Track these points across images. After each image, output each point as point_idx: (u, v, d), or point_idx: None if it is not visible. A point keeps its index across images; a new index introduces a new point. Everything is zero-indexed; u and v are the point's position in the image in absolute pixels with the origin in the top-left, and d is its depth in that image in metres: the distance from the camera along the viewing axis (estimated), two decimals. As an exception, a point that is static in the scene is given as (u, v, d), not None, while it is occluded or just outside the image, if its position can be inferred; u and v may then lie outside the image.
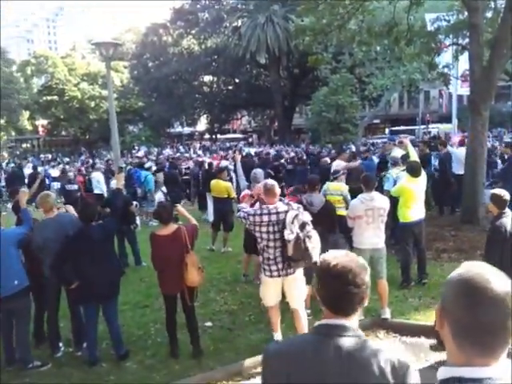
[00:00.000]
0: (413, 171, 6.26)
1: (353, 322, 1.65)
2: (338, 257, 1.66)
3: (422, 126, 36.65)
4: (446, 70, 13.01)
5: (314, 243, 4.42)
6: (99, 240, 4.80)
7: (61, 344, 5.26)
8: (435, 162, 11.52)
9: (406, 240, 6.40)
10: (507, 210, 4.70)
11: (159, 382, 4.39)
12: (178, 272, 4.70)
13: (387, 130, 41.12)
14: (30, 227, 4.95)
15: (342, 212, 6.51)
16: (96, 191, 12.45)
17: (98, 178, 12.87)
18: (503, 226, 4.63)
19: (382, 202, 5.47)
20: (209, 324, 5.64)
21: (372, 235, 5.41)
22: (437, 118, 39.50)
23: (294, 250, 4.34)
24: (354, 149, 17.14)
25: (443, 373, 1.16)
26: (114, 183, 8.92)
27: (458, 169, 9.87)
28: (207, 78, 44.67)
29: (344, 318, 1.63)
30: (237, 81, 42.80)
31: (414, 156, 7.10)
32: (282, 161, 15.22)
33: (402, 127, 38.60)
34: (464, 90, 18.53)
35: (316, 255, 4.40)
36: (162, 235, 4.78)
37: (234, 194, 8.86)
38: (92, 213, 4.98)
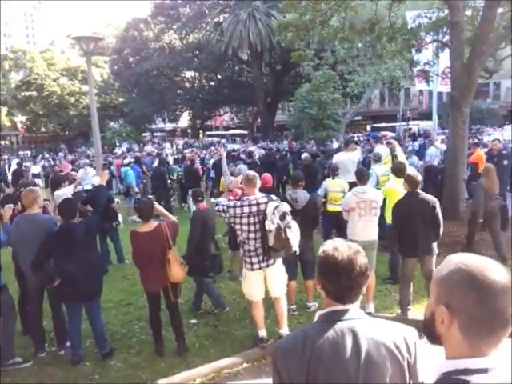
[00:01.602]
0: (398, 172, 6.33)
1: (357, 305, 1.70)
2: (343, 250, 1.67)
3: (403, 123, 37.08)
4: (426, 66, 13.15)
5: (294, 233, 4.48)
6: (81, 237, 4.71)
7: (46, 343, 5.19)
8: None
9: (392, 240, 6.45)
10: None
11: (144, 380, 4.35)
12: (161, 268, 4.67)
13: (369, 127, 41.52)
14: (4, 242, 4.86)
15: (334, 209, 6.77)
16: (87, 187, 12.23)
17: (90, 172, 12.64)
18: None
19: (374, 195, 5.69)
20: (194, 321, 5.62)
21: (364, 227, 5.59)
22: (417, 115, 39.99)
23: (275, 239, 4.38)
24: (336, 145, 17.23)
25: (445, 366, 1.15)
26: (95, 180, 8.79)
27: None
28: (189, 74, 44.38)
29: (349, 304, 1.68)
30: (219, 77, 42.64)
31: (402, 157, 7.23)
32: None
33: (384, 124, 39.04)
34: (444, 87, 18.78)
35: (295, 245, 4.52)
36: (143, 232, 4.73)
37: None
38: (72, 210, 4.89)
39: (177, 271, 4.71)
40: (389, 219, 6.37)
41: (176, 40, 42.28)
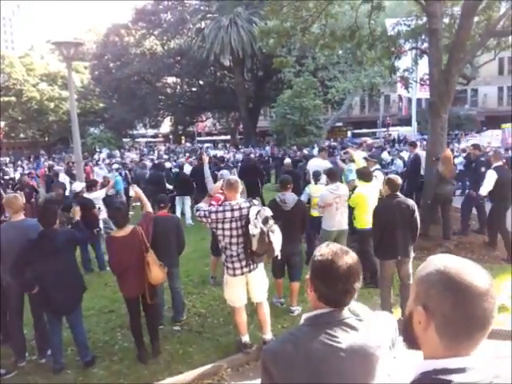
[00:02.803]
0: (363, 176, 6.54)
1: (347, 307, 1.70)
2: (341, 255, 1.67)
3: (383, 129, 37.56)
4: (406, 73, 13.36)
5: (277, 237, 4.52)
6: (60, 246, 4.64)
7: (26, 352, 5.10)
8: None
9: (367, 245, 6.52)
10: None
11: (127, 388, 4.31)
12: (140, 272, 4.66)
13: (349, 133, 41.91)
14: None
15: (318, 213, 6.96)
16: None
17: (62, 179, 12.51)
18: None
19: (345, 190, 6.63)
20: (177, 328, 5.58)
21: (340, 218, 6.51)
22: (397, 121, 40.55)
23: (259, 244, 4.40)
24: (317, 151, 17.34)
25: (423, 366, 1.15)
26: (76, 186, 8.71)
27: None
28: (170, 80, 44.23)
29: (342, 307, 1.68)
30: (201, 83, 42.60)
31: (361, 163, 7.69)
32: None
33: (364, 130, 39.48)
34: (423, 93, 19.10)
35: (278, 249, 4.56)
36: (119, 236, 4.72)
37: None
38: (52, 217, 4.82)
39: (157, 273, 4.72)
40: (359, 224, 6.51)
41: (157, 46, 42.15)
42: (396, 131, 36.66)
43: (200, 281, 7.23)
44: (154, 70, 38.67)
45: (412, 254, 5.40)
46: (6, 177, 17.81)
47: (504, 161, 8.53)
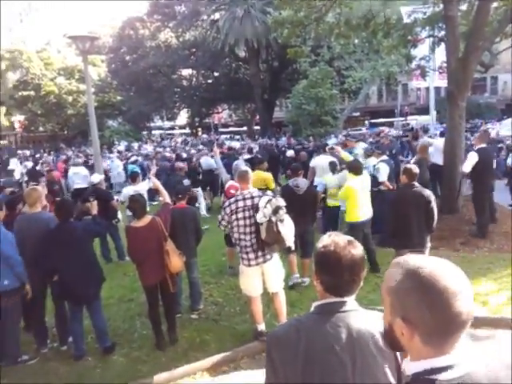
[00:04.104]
0: (354, 169, 6.51)
1: (353, 297, 1.74)
2: (344, 246, 1.69)
3: (401, 118, 37.12)
4: (422, 62, 13.18)
5: (286, 227, 4.53)
6: (77, 239, 4.76)
7: (48, 340, 5.26)
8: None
9: (357, 239, 6.49)
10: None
11: (145, 374, 4.42)
12: (159, 261, 4.76)
13: (367, 123, 41.53)
14: None
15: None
16: (77, 186, 12.24)
17: (81, 172, 12.66)
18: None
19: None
20: (194, 316, 5.69)
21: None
22: (415, 110, 40.02)
23: (267, 233, 4.45)
24: (334, 141, 17.25)
25: (413, 367, 1.16)
26: (94, 178, 8.85)
27: (439, 159, 10.05)
28: (186, 72, 44.29)
29: (347, 297, 1.71)
30: (216, 74, 42.56)
31: (349, 158, 7.73)
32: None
33: (381, 119, 39.08)
34: (441, 81, 18.82)
35: (289, 240, 4.59)
36: (139, 227, 4.82)
37: (273, 186, 8.46)
38: (68, 210, 4.93)
39: (176, 261, 4.83)
40: (349, 218, 6.49)
41: (172, 38, 42.18)
42: (414, 120, 36.19)
43: (217, 270, 7.32)
44: (170, 62, 38.76)
45: (428, 244, 5.39)
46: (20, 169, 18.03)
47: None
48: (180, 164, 11.27)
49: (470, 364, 1.11)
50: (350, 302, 1.71)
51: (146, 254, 4.81)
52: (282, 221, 4.49)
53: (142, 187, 8.64)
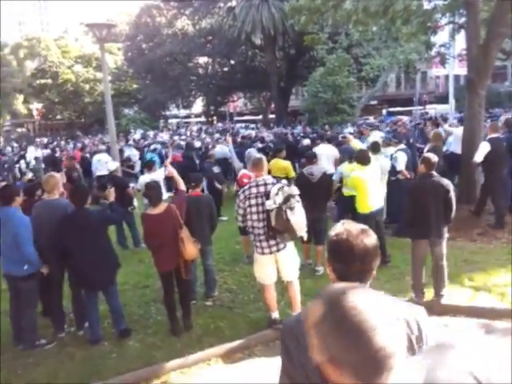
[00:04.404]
0: (361, 159, 6.43)
1: (367, 285, 1.70)
2: (356, 234, 1.67)
3: (420, 107, 36.59)
4: (442, 49, 12.95)
5: (296, 216, 4.47)
6: (92, 225, 4.82)
7: (65, 324, 5.35)
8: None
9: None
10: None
11: (160, 360, 4.47)
12: (174, 248, 4.80)
13: (384, 111, 41.03)
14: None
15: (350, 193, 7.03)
16: (99, 173, 12.35)
17: (103, 159, 12.76)
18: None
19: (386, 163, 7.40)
20: (209, 303, 5.73)
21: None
22: (434, 99, 39.42)
23: (276, 220, 4.42)
24: (350, 130, 17.09)
25: None
26: (111, 165, 8.92)
27: (457, 148, 9.89)
28: (202, 60, 44.17)
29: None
30: (232, 62, 42.36)
31: (360, 147, 7.71)
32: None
33: (400, 108, 38.55)
34: (461, 69, 18.48)
35: (300, 230, 4.53)
36: (154, 214, 4.85)
37: (293, 174, 8.43)
38: (83, 196, 4.98)
39: (191, 249, 4.86)
40: (361, 209, 6.40)
41: (188, 26, 42.02)
42: (433, 109, 35.64)
43: (231, 258, 7.35)
44: (186, 50, 38.68)
45: (446, 235, 5.31)
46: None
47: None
48: (211, 151, 11.41)
49: None
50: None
51: (162, 241, 4.85)
52: (291, 209, 4.43)
53: (158, 175, 8.68)
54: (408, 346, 1.60)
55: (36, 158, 15.97)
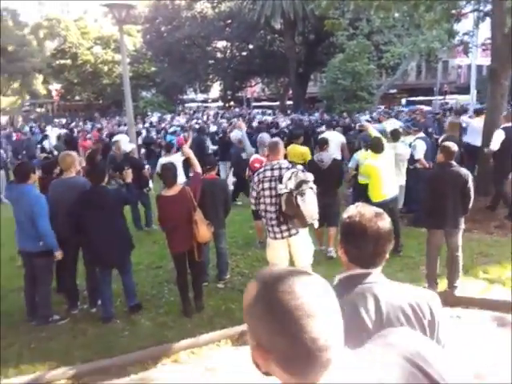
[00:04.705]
0: (374, 147, 6.35)
1: (379, 269, 1.70)
2: (370, 216, 1.66)
3: (440, 97, 35.98)
4: (465, 37, 12.67)
5: (307, 202, 4.36)
6: (108, 203, 4.87)
7: (78, 302, 5.43)
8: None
9: None
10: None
11: (170, 339, 4.53)
12: (188, 230, 4.83)
13: (404, 100, 40.44)
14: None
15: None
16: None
17: (123, 139, 12.81)
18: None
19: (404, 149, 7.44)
20: (221, 285, 5.78)
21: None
22: (455, 89, 38.70)
23: (286, 205, 4.35)
24: (367, 117, 16.89)
25: None
26: (127, 146, 8.96)
27: (475, 140, 9.71)
28: (220, 44, 43.91)
29: (372, 268, 1.67)
30: (251, 47, 42.02)
31: (377, 135, 7.46)
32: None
33: (420, 98, 37.95)
34: (484, 59, 18.07)
35: (310, 217, 4.41)
36: (169, 196, 4.88)
37: None
38: (100, 174, 5.02)
39: (204, 231, 4.88)
40: (374, 198, 6.30)
41: (208, 9, 41.72)
42: (453, 99, 35.02)
43: (244, 242, 7.37)
44: (205, 33, 38.45)
45: (462, 226, 5.24)
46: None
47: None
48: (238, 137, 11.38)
49: None
50: (376, 273, 1.68)
51: (175, 223, 4.88)
52: (302, 195, 4.33)
53: (176, 158, 8.69)
54: (420, 330, 1.59)
55: (59, 137, 16.18)
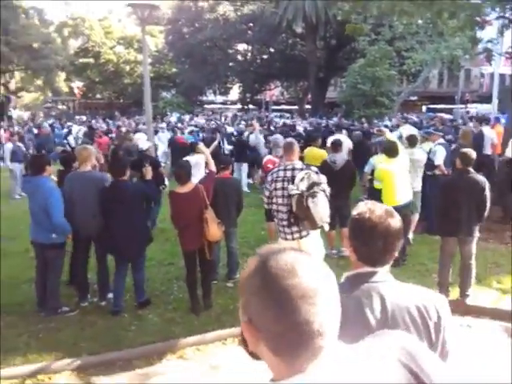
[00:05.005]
0: (388, 152, 6.26)
1: (386, 268, 1.67)
2: (380, 214, 1.64)
3: (461, 106, 35.52)
4: (489, 45, 12.46)
5: (318, 205, 4.29)
6: (130, 197, 4.93)
7: (88, 294, 5.48)
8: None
9: None
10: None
11: (177, 336, 4.54)
12: (199, 228, 4.84)
13: (424, 108, 40.03)
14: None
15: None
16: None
17: (142, 138, 12.94)
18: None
19: (421, 155, 7.30)
20: (230, 285, 5.77)
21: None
22: (477, 98, 38.17)
23: (297, 206, 4.31)
24: (387, 123, 16.75)
25: None
26: (143, 144, 9.01)
27: (488, 149, 9.61)
28: (241, 47, 44.10)
29: (379, 267, 1.65)
30: (271, 50, 42.10)
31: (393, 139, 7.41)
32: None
33: (441, 106, 37.50)
34: (507, 68, 17.79)
35: (321, 219, 4.35)
36: (182, 193, 4.90)
37: None
38: (122, 167, 5.09)
39: (215, 230, 4.87)
40: (387, 202, 6.13)
41: (230, 11, 41.93)
42: (474, 108, 34.54)
43: (255, 243, 7.32)
44: (227, 36, 38.65)
45: (477, 234, 5.15)
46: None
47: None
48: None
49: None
50: (383, 272, 1.65)
51: (187, 220, 4.90)
52: (313, 196, 4.27)
53: (201, 158, 8.69)
54: (425, 332, 1.55)
55: (85, 133, 16.44)
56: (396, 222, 1.65)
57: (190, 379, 3.95)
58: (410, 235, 7.26)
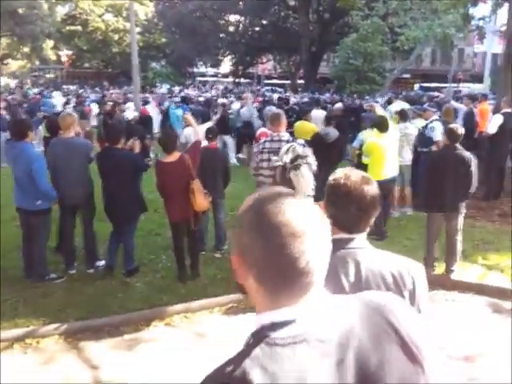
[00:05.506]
0: (379, 126, 6.27)
1: (363, 235, 1.67)
2: (355, 179, 1.63)
3: (453, 85, 35.46)
4: (481, 22, 12.41)
5: (300, 178, 4.25)
6: (123, 165, 4.91)
7: (75, 262, 5.49)
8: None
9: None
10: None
11: (164, 303, 4.59)
12: (185, 198, 4.83)
13: (417, 86, 39.88)
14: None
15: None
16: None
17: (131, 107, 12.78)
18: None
19: (413, 130, 7.48)
20: (217, 255, 5.80)
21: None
22: (469, 78, 38.13)
23: (278, 178, 4.27)
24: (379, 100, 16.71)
25: (255, 323, 0.97)
26: (129, 114, 8.93)
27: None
28: (233, 18, 43.28)
29: (356, 234, 1.65)
30: (264, 22, 41.38)
31: (383, 114, 7.52)
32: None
33: (433, 84, 37.39)
34: (500, 46, 17.73)
35: (303, 193, 4.30)
36: (168, 162, 4.88)
37: None
38: (117, 135, 5.08)
39: (201, 200, 4.87)
40: (374, 176, 6.12)
41: (223, -20, 41.04)
42: (467, 88, 34.51)
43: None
44: (217, 6, 37.87)
45: (463, 210, 5.19)
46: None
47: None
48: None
49: (314, 320, 0.91)
50: (360, 239, 1.65)
51: (173, 190, 4.90)
52: (296, 169, 4.25)
53: (201, 129, 8.61)
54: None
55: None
56: (372, 189, 1.64)
57: (176, 346, 4.00)
58: (405, 209, 7.39)
